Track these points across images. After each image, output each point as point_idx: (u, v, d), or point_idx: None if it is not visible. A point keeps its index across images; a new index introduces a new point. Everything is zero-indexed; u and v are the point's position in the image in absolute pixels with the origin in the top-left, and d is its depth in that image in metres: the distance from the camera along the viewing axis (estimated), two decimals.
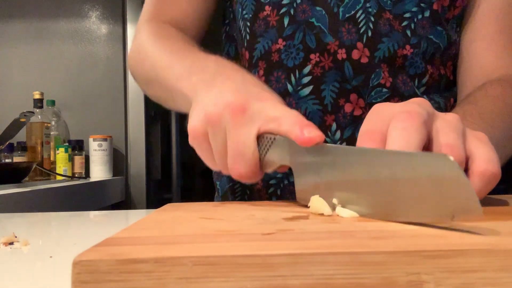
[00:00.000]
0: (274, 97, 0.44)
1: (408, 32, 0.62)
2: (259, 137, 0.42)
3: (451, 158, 0.26)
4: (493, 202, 0.40)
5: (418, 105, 0.38)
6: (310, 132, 0.38)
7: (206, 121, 0.44)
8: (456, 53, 0.68)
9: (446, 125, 0.37)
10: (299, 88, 0.63)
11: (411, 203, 0.29)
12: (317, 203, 0.36)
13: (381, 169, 0.31)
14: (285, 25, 0.63)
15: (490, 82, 0.61)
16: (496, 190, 0.39)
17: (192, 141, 0.46)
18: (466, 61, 0.67)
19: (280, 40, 0.64)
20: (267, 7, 0.64)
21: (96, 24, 2.00)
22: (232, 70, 0.50)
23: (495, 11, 0.65)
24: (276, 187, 0.66)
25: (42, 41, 1.98)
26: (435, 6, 0.63)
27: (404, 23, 0.62)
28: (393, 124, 0.36)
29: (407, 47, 0.62)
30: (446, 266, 0.22)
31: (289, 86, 0.63)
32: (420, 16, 0.63)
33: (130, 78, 1.94)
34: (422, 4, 0.62)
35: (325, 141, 0.38)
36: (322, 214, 0.35)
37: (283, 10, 0.63)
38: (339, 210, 0.35)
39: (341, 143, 0.62)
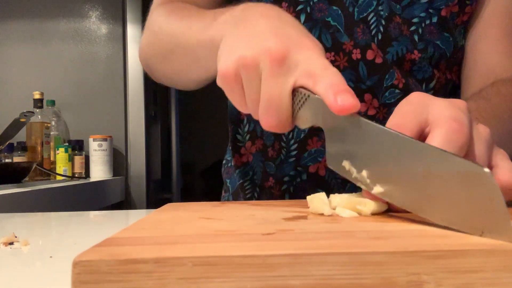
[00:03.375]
0: (315, 44, 0.41)
1: (416, 37, 0.62)
2: (294, 90, 0.40)
3: (487, 170, 0.26)
4: None
5: (462, 112, 0.36)
6: (344, 100, 0.35)
7: (241, 64, 0.40)
8: (462, 57, 0.68)
9: (478, 138, 0.37)
10: None
11: (441, 206, 0.29)
12: (317, 203, 0.36)
13: (415, 161, 0.30)
14: (302, 22, 0.63)
15: (502, 81, 0.61)
16: None
17: (222, 83, 0.43)
18: (472, 62, 0.67)
19: None
20: (283, 4, 0.64)
21: (96, 24, 2.00)
22: (265, 6, 0.46)
23: (500, 13, 0.66)
24: (289, 184, 0.66)
25: (42, 41, 1.98)
26: (443, 13, 0.63)
27: (412, 28, 0.62)
28: (440, 129, 0.34)
29: (415, 52, 0.62)
30: (446, 266, 0.22)
31: None
32: (428, 22, 0.63)
33: (130, 78, 1.95)
34: (430, 10, 0.63)
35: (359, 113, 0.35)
36: (322, 214, 0.35)
37: (300, 7, 0.63)
38: (339, 210, 0.35)
39: None
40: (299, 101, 0.40)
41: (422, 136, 0.36)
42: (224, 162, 0.78)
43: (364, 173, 0.34)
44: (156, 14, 0.66)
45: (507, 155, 0.39)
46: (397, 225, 0.30)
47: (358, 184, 0.35)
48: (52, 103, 1.88)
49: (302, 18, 0.63)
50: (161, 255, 0.22)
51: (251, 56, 0.40)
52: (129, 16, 1.94)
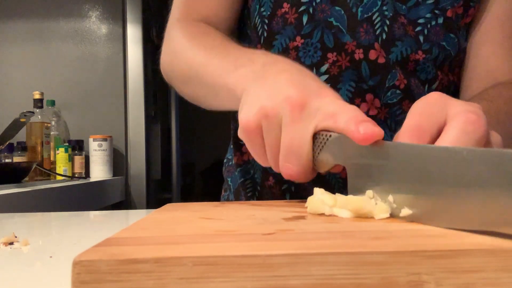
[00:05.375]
0: (334, 93, 0.42)
1: (421, 38, 0.63)
2: (314, 135, 0.40)
3: None
4: None
5: (480, 110, 0.36)
6: (367, 128, 0.35)
7: (262, 114, 0.41)
8: (463, 58, 0.68)
9: (493, 137, 0.37)
10: None
11: (478, 210, 0.27)
12: (316, 203, 0.36)
13: (443, 168, 0.28)
14: (304, 23, 0.63)
15: (503, 84, 0.61)
16: None
17: (243, 135, 0.43)
18: (473, 65, 0.67)
19: (298, 38, 0.64)
20: (285, 4, 0.64)
21: (96, 24, 2.00)
22: (285, 62, 0.48)
23: (502, 17, 0.66)
24: (290, 183, 0.66)
25: (42, 41, 1.98)
26: (449, 14, 0.63)
27: (418, 29, 0.62)
28: (456, 121, 0.34)
29: (419, 52, 0.62)
30: (446, 266, 0.22)
31: None
32: (433, 23, 0.63)
33: (130, 78, 1.95)
34: (436, 11, 0.63)
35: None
36: (322, 214, 0.35)
37: (302, 8, 0.63)
38: (338, 210, 0.35)
39: None
40: (320, 143, 0.40)
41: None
42: (225, 160, 0.78)
43: (390, 198, 0.33)
44: (176, 32, 0.67)
45: None
46: (397, 225, 0.30)
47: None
48: (52, 103, 1.88)
49: (305, 19, 0.63)
50: (161, 255, 0.22)
51: (271, 106, 0.41)
52: (129, 16, 1.94)
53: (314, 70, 0.63)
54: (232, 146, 0.74)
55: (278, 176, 0.66)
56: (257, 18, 0.67)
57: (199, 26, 0.66)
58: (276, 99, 0.41)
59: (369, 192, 0.35)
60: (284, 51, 0.64)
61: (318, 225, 0.31)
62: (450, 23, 0.64)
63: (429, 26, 0.63)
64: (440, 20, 0.63)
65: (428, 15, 0.63)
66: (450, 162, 0.28)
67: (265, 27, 0.66)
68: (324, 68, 0.62)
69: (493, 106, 0.55)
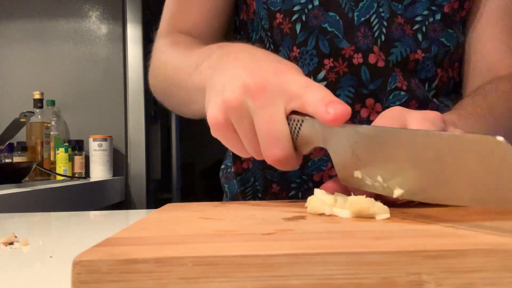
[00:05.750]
0: (290, 66, 0.42)
1: (420, 36, 0.62)
2: (287, 117, 0.39)
3: (501, 139, 0.25)
4: None
5: (436, 120, 0.37)
6: (335, 109, 0.35)
7: (227, 108, 0.41)
8: (462, 53, 0.68)
9: None
10: None
11: (464, 187, 0.28)
12: (315, 203, 0.36)
13: (427, 149, 0.30)
14: (298, 32, 0.63)
15: (500, 78, 0.61)
16: None
17: (215, 133, 0.43)
18: (472, 61, 0.67)
19: (294, 48, 0.63)
20: (278, 15, 0.64)
21: (96, 24, 2.00)
22: (237, 49, 0.47)
23: (499, 11, 0.66)
24: (297, 190, 0.65)
25: (42, 41, 1.98)
26: (446, 9, 0.63)
27: (416, 27, 0.62)
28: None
29: (419, 51, 0.62)
30: (446, 266, 0.22)
31: None
32: (431, 19, 0.63)
33: (130, 78, 1.95)
34: (433, 8, 0.62)
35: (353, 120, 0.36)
36: (322, 214, 0.35)
37: (295, 16, 0.63)
38: (338, 210, 0.35)
39: None
40: (295, 128, 0.40)
41: None
42: (223, 166, 0.77)
43: (379, 178, 0.33)
44: (159, 44, 0.67)
45: None
46: (397, 225, 0.30)
47: (377, 192, 0.35)
48: (52, 103, 1.88)
49: (298, 27, 0.63)
50: (161, 255, 0.22)
51: (233, 97, 0.40)
52: (129, 16, 1.94)
53: (312, 78, 0.62)
54: (232, 153, 0.74)
55: (283, 184, 0.66)
56: (261, 32, 0.67)
57: (178, 36, 0.66)
58: (236, 90, 0.40)
59: (357, 173, 0.35)
60: None
61: (318, 225, 0.31)
62: (448, 18, 0.63)
63: (427, 23, 0.62)
64: (438, 17, 0.63)
65: (425, 12, 0.62)
66: (428, 144, 0.30)
67: (270, 39, 0.66)
68: (321, 75, 0.62)
69: (486, 101, 0.55)
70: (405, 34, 0.62)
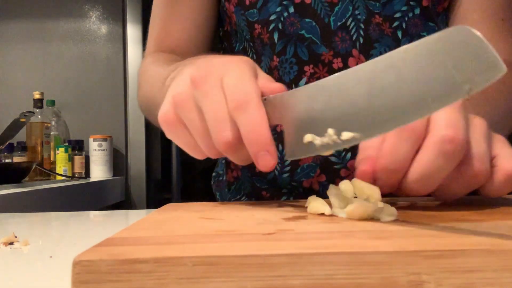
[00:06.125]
0: (238, 58, 0.41)
1: (399, 33, 0.62)
2: None
3: (469, 28, 0.25)
4: (493, 202, 0.40)
5: (458, 112, 0.35)
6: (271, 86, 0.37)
7: (175, 104, 0.40)
8: None
9: (475, 132, 0.37)
10: None
11: (419, 94, 0.27)
12: (316, 203, 0.36)
13: (383, 75, 0.29)
14: (276, 41, 0.63)
15: None
16: None
17: (167, 132, 0.42)
18: None
19: (274, 57, 0.63)
20: (256, 25, 0.64)
21: (96, 24, 2.00)
22: (198, 57, 0.47)
23: None
24: (288, 195, 0.65)
25: (42, 41, 1.98)
26: (424, 3, 0.62)
27: (395, 24, 0.62)
28: (431, 142, 0.34)
29: None
30: (446, 266, 0.22)
31: None
32: (410, 15, 0.62)
33: (130, 78, 1.95)
34: (411, 2, 0.62)
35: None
36: (322, 214, 0.35)
37: (272, 26, 0.63)
38: (336, 211, 0.35)
39: (346, 152, 0.62)
40: None
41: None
42: (214, 174, 0.77)
43: (330, 131, 0.32)
44: (143, 64, 0.69)
45: (506, 141, 0.39)
46: (397, 225, 0.30)
47: (330, 151, 0.33)
48: (52, 103, 1.88)
49: (276, 36, 0.63)
50: (161, 255, 0.22)
51: (179, 91, 0.40)
52: (129, 16, 1.94)
53: (293, 86, 0.62)
54: (224, 161, 0.74)
55: (273, 191, 0.66)
56: (245, 42, 0.67)
57: (160, 55, 0.68)
58: (183, 85, 0.40)
59: (307, 136, 0.34)
60: (269, 72, 0.64)
61: (318, 225, 0.31)
62: (427, 11, 0.63)
63: (406, 19, 0.62)
64: (417, 11, 0.62)
65: (404, 8, 0.62)
66: (362, 80, 0.30)
67: (252, 49, 0.66)
68: (302, 82, 0.62)
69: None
70: (383, 34, 0.61)
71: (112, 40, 2.00)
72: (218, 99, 0.37)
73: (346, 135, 0.31)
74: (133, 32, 1.94)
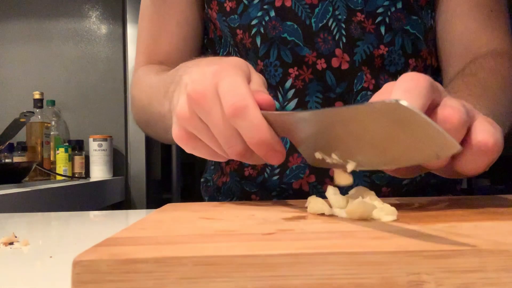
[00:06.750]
0: (228, 66, 0.40)
1: (382, 29, 0.62)
2: None
3: (403, 102, 0.25)
4: (493, 202, 0.40)
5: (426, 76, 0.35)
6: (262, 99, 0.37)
7: (180, 123, 0.40)
8: (435, 38, 0.67)
9: (453, 98, 0.36)
10: (285, 103, 0.63)
11: (395, 150, 0.29)
12: (316, 203, 0.36)
13: (352, 124, 0.30)
14: (259, 45, 0.63)
15: (482, 56, 0.61)
16: (495, 190, 0.39)
17: (185, 147, 0.42)
18: (447, 42, 0.66)
19: (258, 61, 0.64)
20: (238, 31, 0.64)
21: (96, 24, 2.00)
22: (191, 64, 0.47)
23: None
24: (278, 198, 0.65)
25: (42, 41, 1.98)
26: None
27: (378, 19, 0.62)
28: (397, 84, 0.34)
29: (381, 46, 0.62)
30: (446, 266, 0.22)
31: (277, 104, 0.63)
32: (393, 9, 0.62)
33: (130, 78, 1.94)
34: None
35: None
36: (322, 214, 0.35)
37: (254, 30, 0.63)
38: (337, 211, 0.35)
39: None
40: None
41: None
42: (202, 180, 0.78)
43: (334, 156, 0.34)
44: (135, 76, 0.70)
45: (492, 121, 0.37)
46: (397, 225, 0.30)
47: (338, 168, 0.36)
48: (52, 103, 1.87)
49: (258, 40, 0.63)
50: (161, 255, 0.22)
51: (182, 110, 0.40)
52: (129, 16, 1.94)
53: (280, 88, 0.63)
54: (213, 167, 0.75)
55: (263, 193, 0.66)
56: (230, 47, 0.68)
57: (150, 67, 0.68)
58: (181, 103, 0.40)
59: (317, 154, 0.36)
60: None
61: (318, 225, 0.31)
62: (410, 5, 0.63)
63: (389, 13, 0.62)
64: (399, 5, 0.62)
65: (386, 3, 0.62)
66: (351, 119, 0.30)
67: (237, 55, 0.66)
68: (288, 84, 0.62)
69: (477, 79, 0.55)
70: (365, 32, 0.62)
71: (112, 40, 2.00)
72: (220, 115, 0.38)
73: (349, 166, 0.33)
74: (133, 32, 1.94)
